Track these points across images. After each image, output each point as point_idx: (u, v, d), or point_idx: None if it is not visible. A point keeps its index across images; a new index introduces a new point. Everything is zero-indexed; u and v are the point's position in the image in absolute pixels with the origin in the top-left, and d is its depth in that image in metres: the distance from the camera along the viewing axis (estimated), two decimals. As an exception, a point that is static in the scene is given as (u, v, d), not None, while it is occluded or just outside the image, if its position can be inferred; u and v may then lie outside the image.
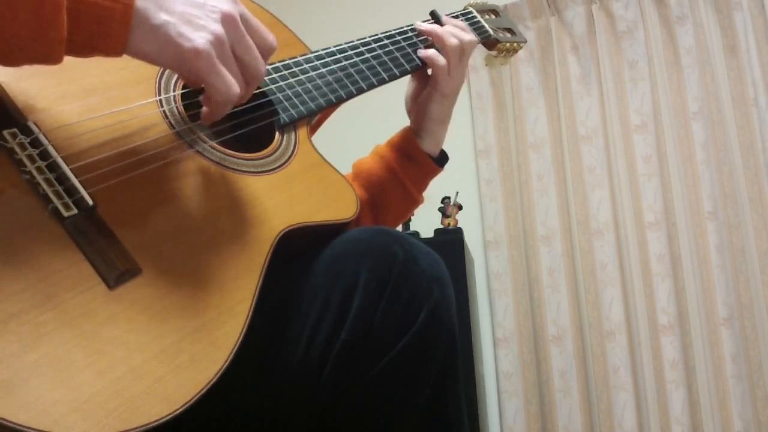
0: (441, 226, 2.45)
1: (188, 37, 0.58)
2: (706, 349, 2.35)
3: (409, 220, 2.42)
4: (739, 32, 2.43)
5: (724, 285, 2.34)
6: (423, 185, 1.02)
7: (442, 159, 1.03)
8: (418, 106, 1.02)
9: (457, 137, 2.78)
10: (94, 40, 0.56)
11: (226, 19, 0.62)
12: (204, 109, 0.66)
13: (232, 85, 0.62)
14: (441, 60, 0.97)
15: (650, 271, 2.43)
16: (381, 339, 0.66)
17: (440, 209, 2.48)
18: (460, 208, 2.49)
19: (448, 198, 2.48)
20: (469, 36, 1.01)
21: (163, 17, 0.58)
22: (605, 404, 2.41)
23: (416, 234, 2.40)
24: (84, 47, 0.56)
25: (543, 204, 2.61)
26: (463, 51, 0.99)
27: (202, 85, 0.63)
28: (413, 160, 0.99)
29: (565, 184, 2.60)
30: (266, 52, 0.67)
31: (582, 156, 2.57)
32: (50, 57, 0.54)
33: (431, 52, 0.98)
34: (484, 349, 2.63)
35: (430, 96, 0.99)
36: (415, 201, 1.01)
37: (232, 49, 0.62)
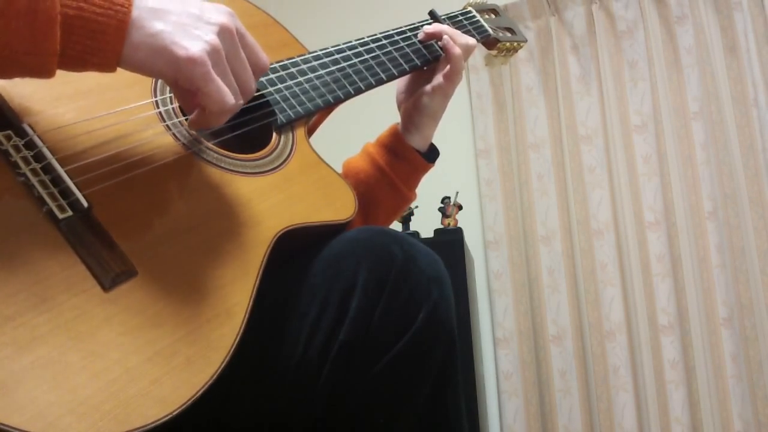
0: (441, 226, 2.45)
1: (183, 45, 0.58)
2: (706, 349, 2.35)
3: (409, 219, 2.42)
4: (739, 32, 2.43)
5: (724, 285, 2.34)
6: (413, 182, 1.01)
7: (431, 155, 1.03)
8: (414, 100, 1.01)
9: (457, 137, 2.78)
10: (87, 54, 0.55)
11: (223, 32, 0.61)
12: (193, 115, 0.65)
13: (226, 94, 0.61)
14: (462, 63, 0.99)
15: (650, 271, 2.43)
16: (380, 339, 0.66)
17: (440, 209, 2.48)
18: (460, 208, 2.49)
19: (448, 198, 2.48)
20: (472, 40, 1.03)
21: (158, 26, 0.58)
22: (605, 404, 2.41)
23: (416, 234, 2.40)
24: (77, 61, 0.56)
25: (543, 204, 2.61)
26: (468, 51, 1.01)
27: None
28: (400, 156, 0.99)
29: (565, 184, 2.60)
30: (258, 70, 0.67)
31: (582, 156, 2.57)
32: (43, 70, 0.54)
33: (456, 50, 0.99)
34: (484, 349, 2.63)
35: (433, 92, 0.99)
36: (405, 198, 1.00)
37: (227, 61, 0.62)
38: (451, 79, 0.98)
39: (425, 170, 1.02)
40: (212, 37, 0.60)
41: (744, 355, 2.30)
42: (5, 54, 0.52)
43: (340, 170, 0.85)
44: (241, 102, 0.65)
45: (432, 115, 1.00)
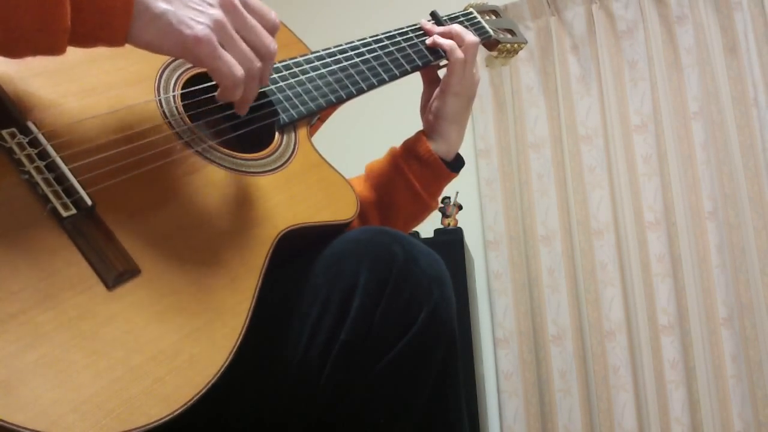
0: (441, 226, 2.45)
1: (188, 24, 0.59)
2: (706, 349, 2.35)
3: (410, 219, 2.42)
4: (739, 32, 2.43)
5: (724, 285, 2.34)
6: (434, 189, 1.00)
7: (456, 164, 1.01)
8: (430, 109, 1.01)
9: (457, 137, 2.77)
10: (97, 30, 0.56)
11: (225, 3, 0.62)
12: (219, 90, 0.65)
13: (233, 66, 0.62)
14: (459, 53, 0.97)
15: (650, 271, 2.43)
16: (381, 339, 0.66)
17: (440, 209, 2.47)
18: (460, 208, 2.49)
19: (448, 198, 2.48)
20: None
21: (162, 6, 0.58)
22: (605, 404, 2.41)
23: (416, 234, 2.39)
24: (87, 37, 0.56)
25: (543, 204, 2.61)
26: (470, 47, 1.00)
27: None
28: (422, 161, 0.98)
29: (565, 184, 2.60)
30: (270, 29, 0.67)
31: (582, 156, 2.57)
32: (54, 47, 0.54)
33: (450, 43, 0.98)
34: (484, 349, 2.63)
35: (442, 95, 0.99)
36: (426, 205, 0.99)
37: (236, 31, 0.63)
38: (453, 75, 0.97)
39: (448, 179, 1.00)
40: (215, 12, 0.61)
41: (744, 355, 2.30)
42: (17, 32, 0.52)
43: (346, 170, 0.85)
44: (269, 63, 0.66)
45: (450, 119, 0.99)
